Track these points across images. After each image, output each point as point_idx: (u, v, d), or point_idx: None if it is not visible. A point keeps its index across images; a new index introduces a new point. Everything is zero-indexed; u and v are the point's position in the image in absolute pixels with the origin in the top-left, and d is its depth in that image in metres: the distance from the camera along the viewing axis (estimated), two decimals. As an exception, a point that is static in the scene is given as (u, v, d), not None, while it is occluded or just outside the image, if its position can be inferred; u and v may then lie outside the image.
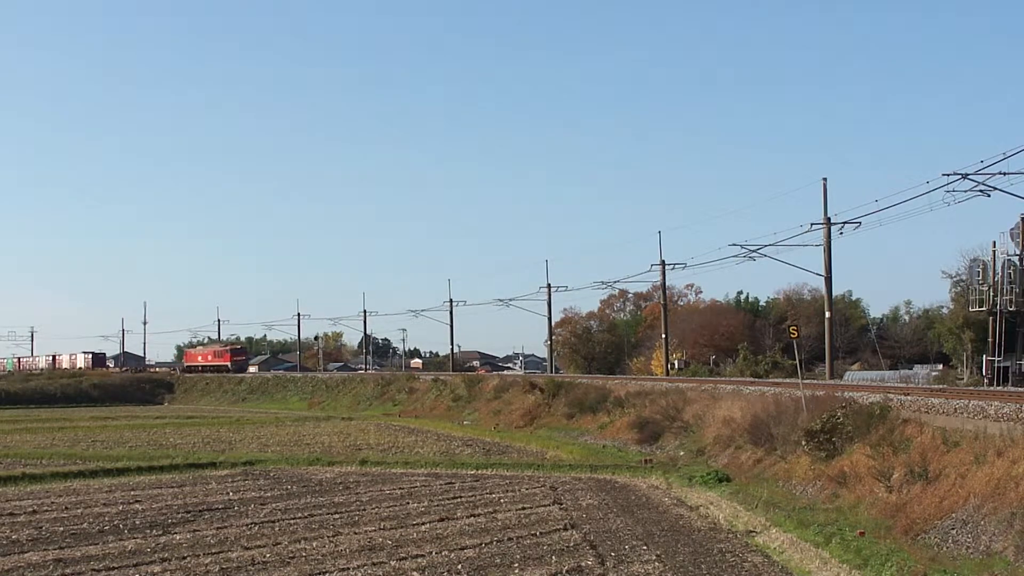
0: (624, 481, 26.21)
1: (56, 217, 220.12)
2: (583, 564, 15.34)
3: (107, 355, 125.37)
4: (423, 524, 19.29)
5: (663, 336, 65.08)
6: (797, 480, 22.30)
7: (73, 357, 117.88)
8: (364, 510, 21.44)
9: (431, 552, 16.39)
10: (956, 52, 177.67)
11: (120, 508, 22.23)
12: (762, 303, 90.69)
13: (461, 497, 23.30)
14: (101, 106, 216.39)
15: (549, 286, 76.57)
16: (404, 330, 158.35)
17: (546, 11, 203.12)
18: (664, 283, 65.12)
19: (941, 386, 33.34)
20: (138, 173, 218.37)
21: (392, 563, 15.54)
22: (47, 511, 21.93)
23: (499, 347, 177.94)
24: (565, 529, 18.55)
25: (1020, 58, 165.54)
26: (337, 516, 20.59)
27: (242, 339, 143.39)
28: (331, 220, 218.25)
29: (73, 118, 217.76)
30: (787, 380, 38.14)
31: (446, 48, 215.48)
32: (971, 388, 30.96)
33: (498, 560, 15.72)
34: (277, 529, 19.06)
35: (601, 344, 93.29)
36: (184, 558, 16.17)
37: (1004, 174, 34.62)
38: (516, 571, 14.99)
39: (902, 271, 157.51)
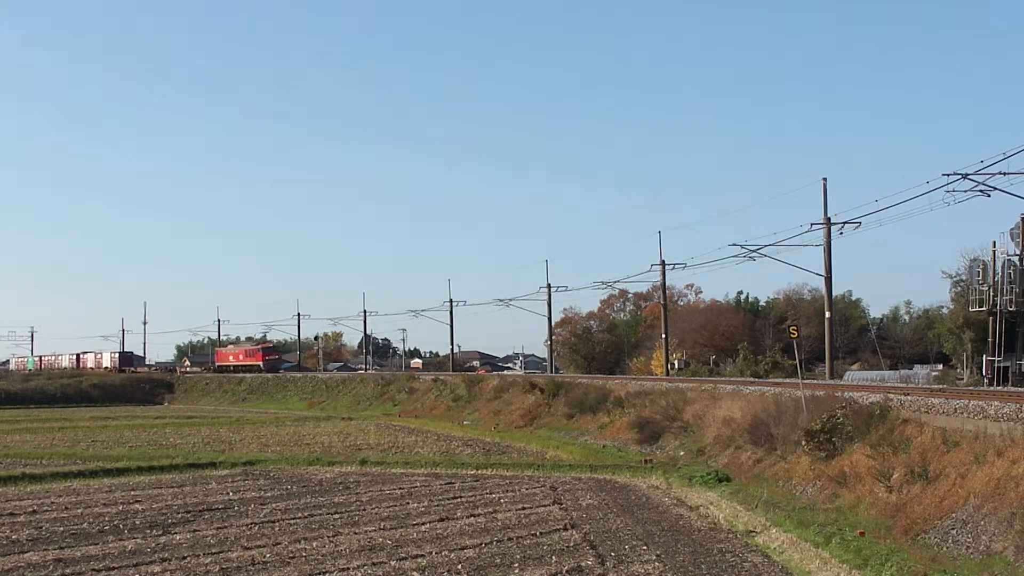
0: (624, 481, 26.22)
1: (56, 217, 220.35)
2: (583, 564, 15.34)
3: (133, 354, 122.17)
4: (423, 524, 19.29)
5: (663, 336, 65.11)
6: (797, 480, 22.30)
7: (99, 356, 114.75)
8: (364, 510, 21.44)
9: (431, 552, 16.39)
10: (956, 52, 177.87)
11: (120, 508, 22.23)
12: (762, 303, 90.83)
13: (461, 497, 23.30)
14: (101, 106, 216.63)
15: (549, 286, 76.68)
16: (404, 330, 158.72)
17: (546, 11, 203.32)
18: (664, 283, 65.17)
19: (941, 386, 33.34)
20: (138, 173, 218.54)
21: (392, 563, 15.55)
22: (47, 511, 21.93)
23: (499, 347, 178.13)
24: (565, 529, 18.55)
25: (1020, 58, 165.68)
26: (337, 516, 20.59)
27: (241, 339, 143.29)
28: (331, 220, 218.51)
29: (73, 118, 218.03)
30: (787, 380, 38.15)
31: (446, 48, 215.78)
32: (971, 388, 30.94)
33: (498, 560, 15.73)
34: (277, 529, 19.06)
35: (601, 344, 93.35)
36: (184, 558, 16.17)
37: (1004, 174, 34.66)
38: (516, 571, 14.99)
39: (902, 271, 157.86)
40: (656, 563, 15.45)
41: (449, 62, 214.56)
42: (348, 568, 15.24)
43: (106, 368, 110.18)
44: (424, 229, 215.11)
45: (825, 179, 45.26)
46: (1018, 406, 18.46)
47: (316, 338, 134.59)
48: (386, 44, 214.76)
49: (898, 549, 15.40)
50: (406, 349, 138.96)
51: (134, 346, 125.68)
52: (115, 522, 20.13)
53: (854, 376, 54.44)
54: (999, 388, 31.81)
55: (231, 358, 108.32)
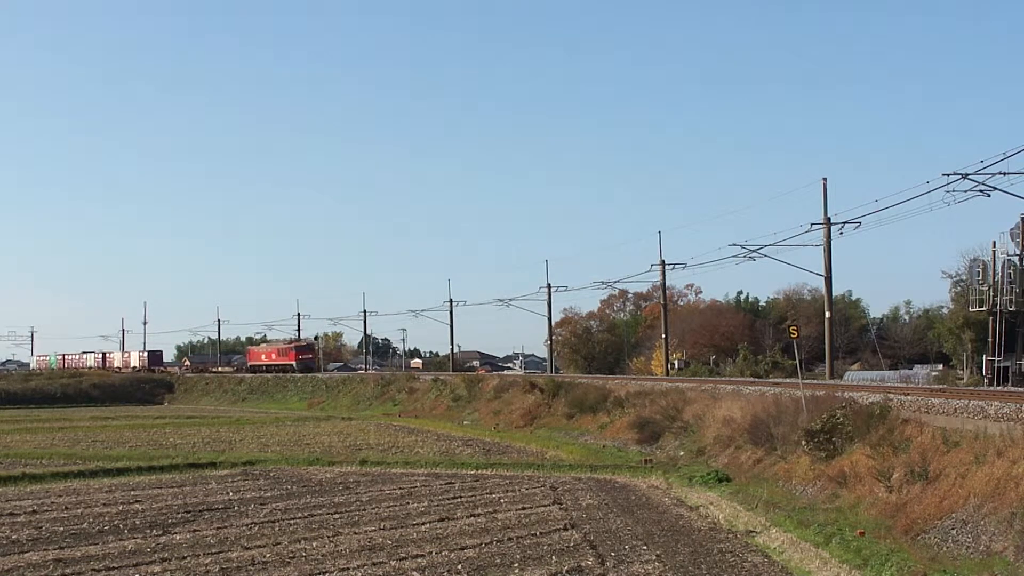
0: (624, 481, 26.22)
1: (56, 217, 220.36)
2: (583, 564, 15.34)
3: (163, 353, 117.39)
4: (423, 524, 19.30)
5: (663, 336, 65.08)
6: (797, 480, 22.30)
7: (127, 356, 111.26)
8: (364, 510, 21.45)
9: (431, 552, 16.40)
10: (957, 52, 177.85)
11: (120, 508, 22.23)
12: (762, 303, 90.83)
13: (461, 497, 23.30)
14: (101, 106, 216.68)
15: (549, 286, 76.62)
16: (404, 330, 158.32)
17: (546, 11, 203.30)
18: (664, 283, 65.12)
19: (941, 386, 33.34)
20: (138, 173, 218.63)
21: (392, 563, 15.55)
22: (47, 511, 21.93)
23: (499, 347, 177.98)
24: (565, 529, 18.55)
25: (1020, 58, 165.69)
26: (337, 516, 20.59)
27: (244, 339, 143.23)
28: (331, 220, 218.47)
29: (73, 118, 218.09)
30: (787, 380, 38.14)
31: (446, 48, 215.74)
32: (971, 388, 30.95)
33: (498, 560, 15.73)
34: (277, 529, 19.06)
35: (601, 344, 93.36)
36: (184, 558, 16.18)
37: (1004, 174, 34.62)
38: (516, 571, 14.99)
39: (902, 271, 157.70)
40: (656, 563, 15.45)
41: (449, 62, 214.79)
42: (348, 568, 15.24)
43: (134, 368, 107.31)
44: (424, 229, 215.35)
45: (825, 179, 45.19)
46: (1018, 406, 18.47)
47: (316, 338, 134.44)
48: (386, 44, 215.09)
49: (898, 549, 15.41)
50: (406, 349, 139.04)
51: (135, 346, 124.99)
52: (115, 522, 20.14)
53: (854, 376, 54.45)
54: (999, 388, 31.81)
55: (263, 357, 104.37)
